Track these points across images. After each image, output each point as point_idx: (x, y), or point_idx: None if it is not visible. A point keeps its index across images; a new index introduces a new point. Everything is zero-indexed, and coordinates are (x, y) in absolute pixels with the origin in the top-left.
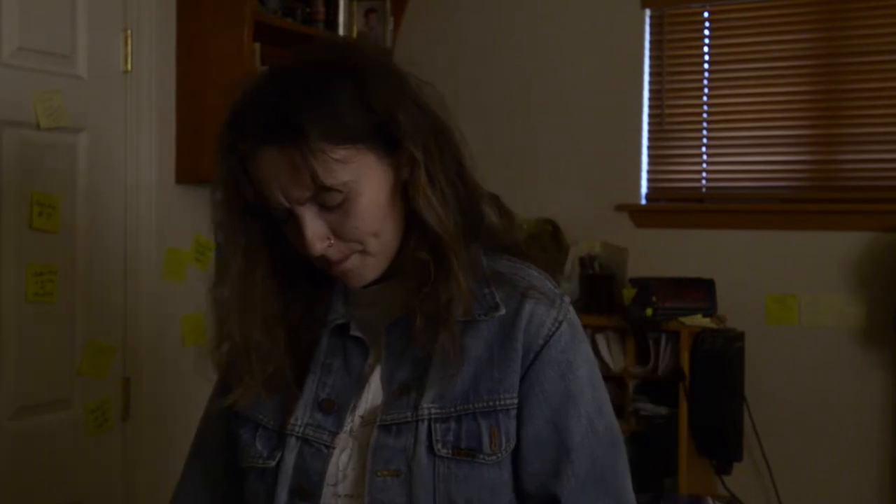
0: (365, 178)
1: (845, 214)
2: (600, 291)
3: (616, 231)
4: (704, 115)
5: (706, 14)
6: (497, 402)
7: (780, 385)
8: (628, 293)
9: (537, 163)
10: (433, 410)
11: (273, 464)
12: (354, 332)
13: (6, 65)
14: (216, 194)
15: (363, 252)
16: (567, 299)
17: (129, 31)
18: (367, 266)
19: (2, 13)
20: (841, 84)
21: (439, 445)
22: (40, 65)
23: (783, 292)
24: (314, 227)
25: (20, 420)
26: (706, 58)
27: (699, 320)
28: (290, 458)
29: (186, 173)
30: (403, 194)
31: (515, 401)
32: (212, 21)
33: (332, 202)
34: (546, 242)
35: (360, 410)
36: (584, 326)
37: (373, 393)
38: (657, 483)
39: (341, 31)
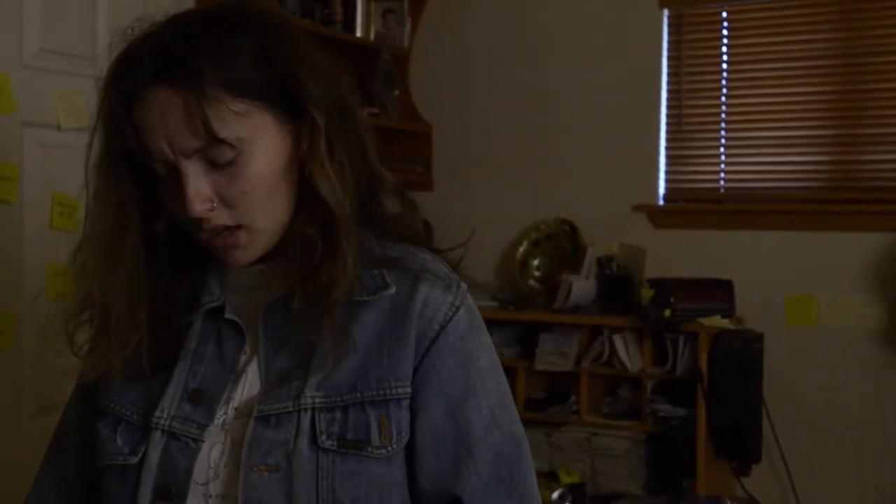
0: (261, 140)
1: (864, 215)
2: (618, 292)
3: (634, 231)
4: (723, 116)
5: (724, 14)
6: (387, 391)
7: (800, 386)
8: (646, 294)
9: (555, 163)
10: (317, 399)
11: (135, 461)
12: (229, 315)
13: (27, 66)
14: (94, 141)
15: (249, 227)
16: (464, 285)
17: None
18: (253, 243)
19: (23, 15)
20: (860, 84)
21: (323, 437)
22: (61, 66)
23: (802, 293)
24: (197, 186)
25: (42, 419)
26: (724, 58)
27: (718, 321)
28: (154, 455)
29: None
30: (300, 170)
31: (408, 390)
32: None
33: (222, 159)
34: (564, 243)
35: (235, 402)
36: (602, 327)
37: (249, 383)
38: (675, 484)
39: (359, 32)
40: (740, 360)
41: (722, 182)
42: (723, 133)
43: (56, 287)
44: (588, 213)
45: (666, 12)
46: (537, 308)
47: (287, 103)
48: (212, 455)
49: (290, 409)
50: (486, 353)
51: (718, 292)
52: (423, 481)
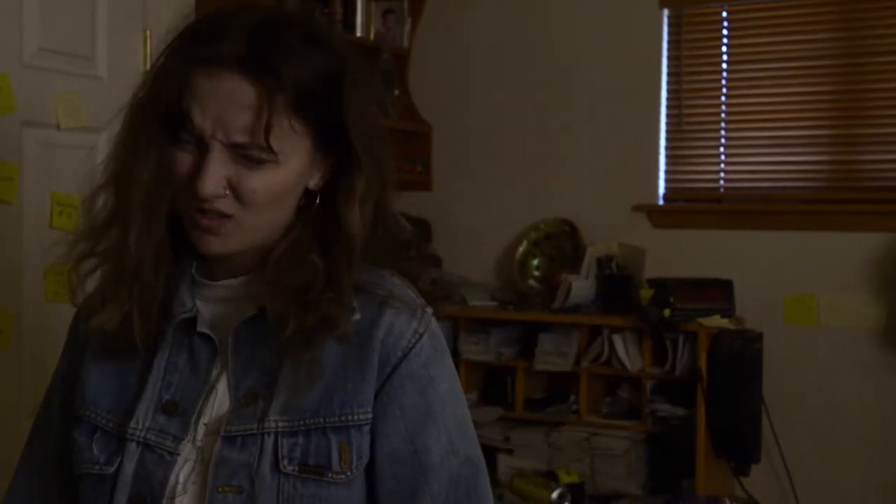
0: (293, 158)
1: (864, 215)
2: (618, 292)
3: (633, 231)
4: (722, 115)
5: (724, 14)
6: (349, 417)
7: (799, 386)
8: (646, 294)
9: (554, 163)
10: (280, 423)
11: (111, 470)
12: (202, 328)
13: (27, 65)
14: (140, 90)
15: (238, 221)
16: (430, 310)
17: (148, 32)
18: (232, 237)
19: (23, 14)
20: (860, 84)
21: (285, 462)
22: (60, 65)
23: (802, 293)
24: (219, 170)
25: None
26: (724, 58)
27: (717, 321)
28: (129, 466)
29: None
30: (305, 193)
31: (369, 416)
32: None
33: (253, 157)
34: (563, 242)
35: (206, 418)
36: (601, 327)
37: (219, 400)
38: (674, 484)
39: (359, 32)
40: (740, 360)
41: (722, 182)
42: (722, 133)
43: (54, 287)
44: (588, 212)
45: (666, 12)
46: (537, 308)
47: (328, 134)
48: (182, 470)
49: (255, 432)
50: (447, 379)
51: (718, 292)
52: (383, 501)
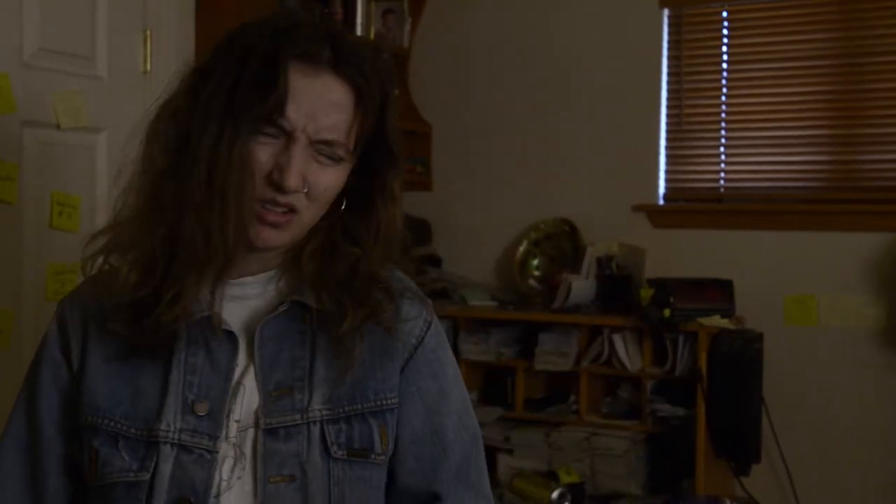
0: (352, 159)
1: (864, 215)
2: (618, 292)
3: (634, 231)
4: (723, 115)
5: (724, 14)
6: (384, 402)
7: (799, 386)
8: (646, 294)
9: (555, 163)
10: (324, 412)
11: (147, 476)
12: (226, 326)
13: (27, 65)
14: (218, 63)
15: (300, 217)
16: (429, 301)
17: (148, 32)
18: (290, 231)
19: (23, 14)
20: (860, 84)
21: (335, 447)
22: (60, 65)
23: (802, 293)
24: (301, 165)
25: None
26: (724, 57)
27: (717, 321)
28: (165, 468)
29: None
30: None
31: (397, 400)
32: (230, 21)
33: (334, 156)
34: (563, 242)
35: (236, 414)
36: (602, 327)
37: (248, 395)
38: (675, 484)
39: (359, 32)
40: (740, 360)
41: (722, 182)
42: (723, 133)
43: (55, 286)
44: (588, 212)
45: (666, 12)
46: (537, 308)
47: (370, 139)
48: (223, 468)
49: (299, 422)
50: (451, 364)
51: (718, 292)
52: (403, 480)
